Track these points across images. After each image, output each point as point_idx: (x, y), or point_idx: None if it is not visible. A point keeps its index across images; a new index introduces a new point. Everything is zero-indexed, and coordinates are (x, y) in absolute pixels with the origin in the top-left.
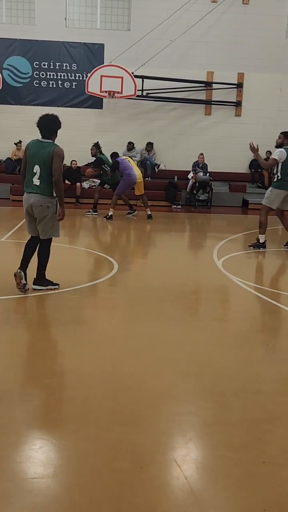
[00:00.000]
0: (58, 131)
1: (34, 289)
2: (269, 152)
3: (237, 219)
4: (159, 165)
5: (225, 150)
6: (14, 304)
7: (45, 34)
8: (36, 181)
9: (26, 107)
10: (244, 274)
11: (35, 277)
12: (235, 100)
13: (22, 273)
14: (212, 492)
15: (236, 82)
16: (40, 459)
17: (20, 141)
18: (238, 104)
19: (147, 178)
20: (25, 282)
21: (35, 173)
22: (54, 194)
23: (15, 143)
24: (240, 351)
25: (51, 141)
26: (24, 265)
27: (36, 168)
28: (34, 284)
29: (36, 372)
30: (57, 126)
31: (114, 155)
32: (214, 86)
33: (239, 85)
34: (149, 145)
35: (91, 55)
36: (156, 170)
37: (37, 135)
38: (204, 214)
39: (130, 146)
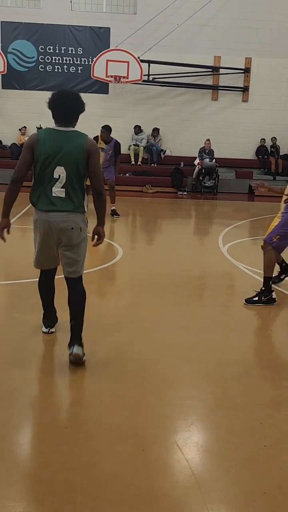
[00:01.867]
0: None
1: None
2: (274, 138)
3: (243, 206)
4: (165, 151)
5: (231, 136)
6: (18, 289)
7: (51, 18)
8: (59, 191)
9: (31, 92)
10: (249, 260)
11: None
12: (242, 86)
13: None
14: (213, 475)
15: (243, 67)
16: (42, 441)
17: (25, 127)
18: (245, 89)
19: (153, 164)
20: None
21: (57, 179)
22: (86, 208)
23: (19, 129)
24: (244, 337)
25: (75, 129)
26: (52, 318)
27: (59, 172)
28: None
29: (39, 356)
30: (82, 107)
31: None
32: (221, 71)
33: (247, 70)
34: (155, 131)
35: (97, 39)
36: (162, 156)
37: (44, 120)
38: (210, 200)
39: (138, 130)
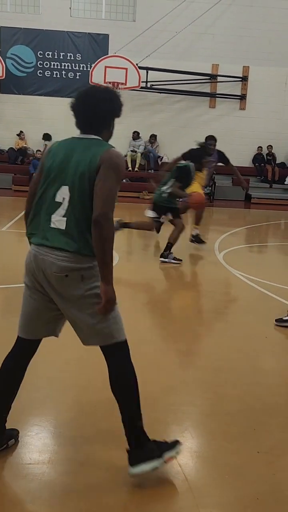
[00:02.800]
0: (61, 122)
1: None
2: (270, 147)
3: (239, 213)
4: (162, 157)
5: (229, 143)
6: (15, 293)
7: (50, 24)
8: (58, 221)
9: (29, 97)
10: (245, 267)
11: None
12: (239, 94)
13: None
14: (206, 480)
15: (241, 75)
16: (36, 445)
17: (21, 132)
18: (242, 97)
19: (150, 170)
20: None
21: (60, 204)
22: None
23: (17, 134)
24: (239, 343)
25: (100, 138)
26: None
27: (63, 194)
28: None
29: (35, 361)
30: (111, 107)
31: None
32: (219, 79)
33: (244, 79)
34: (153, 137)
35: (96, 45)
36: (159, 162)
37: (42, 125)
38: (206, 207)
39: (136, 135)
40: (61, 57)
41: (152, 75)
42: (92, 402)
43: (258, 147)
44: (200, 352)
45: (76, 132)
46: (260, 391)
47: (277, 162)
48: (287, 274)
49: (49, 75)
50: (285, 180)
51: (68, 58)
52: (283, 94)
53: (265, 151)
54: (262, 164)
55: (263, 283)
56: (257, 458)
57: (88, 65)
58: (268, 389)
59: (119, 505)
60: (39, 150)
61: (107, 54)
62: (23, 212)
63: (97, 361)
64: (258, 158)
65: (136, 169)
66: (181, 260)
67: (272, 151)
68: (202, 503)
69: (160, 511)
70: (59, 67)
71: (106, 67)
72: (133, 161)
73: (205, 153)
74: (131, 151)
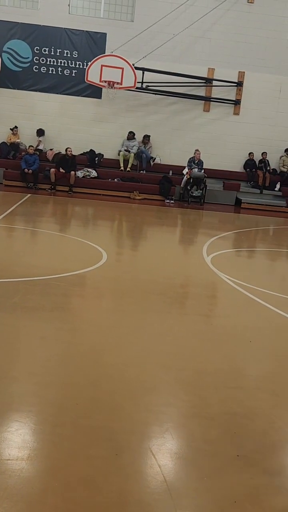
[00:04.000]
0: (55, 118)
1: None
2: (265, 153)
3: (229, 217)
4: (155, 158)
5: (221, 147)
6: (0, 289)
7: (48, 20)
8: None
9: (24, 92)
10: (232, 271)
11: None
12: (234, 99)
13: None
14: (185, 482)
15: (236, 81)
16: (16, 441)
17: (16, 127)
18: (237, 102)
19: (142, 171)
20: None
21: None
22: None
23: (10, 129)
24: (223, 347)
25: None
26: None
27: None
28: None
29: (18, 356)
30: None
31: None
32: (214, 83)
33: (239, 84)
34: (146, 138)
35: (93, 43)
36: (152, 163)
37: (35, 121)
38: (196, 210)
39: (131, 136)
40: (58, 54)
41: (148, 76)
42: (73, 399)
43: (250, 153)
44: (183, 354)
45: (69, 128)
46: (242, 395)
47: (268, 169)
48: (273, 280)
49: (45, 71)
50: (275, 187)
51: (65, 55)
52: (277, 101)
53: (257, 157)
54: (254, 170)
55: (249, 288)
56: (236, 461)
57: (85, 63)
58: (250, 394)
59: (96, 504)
60: (32, 146)
61: (104, 53)
62: (13, 207)
63: (78, 358)
64: (249, 163)
65: (128, 169)
66: None
67: (266, 158)
68: (179, 504)
69: (138, 511)
70: (55, 63)
71: (102, 65)
72: (126, 161)
73: None
74: (125, 150)
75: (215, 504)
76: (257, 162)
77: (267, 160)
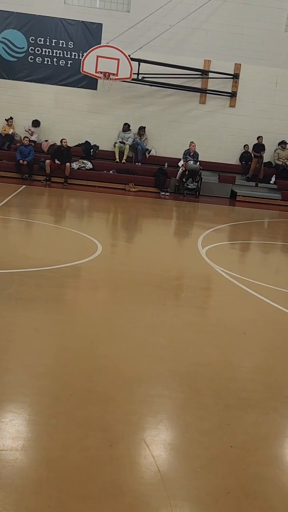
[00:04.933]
0: (51, 109)
1: None
2: (261, 137)
3: (224, 210)
4: (150, 150)
5: (217, 140)
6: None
7: (43, 9)
8: None
9: (19, 83)
10: (227, 263)
11: None
12: (230, 91)
13: None
14: (179, 472)
15: (232, 73)
16: (10, 432)
17: (11, 118)
18: (233, 95)
19: (137, 163)
20: None
21: None
22: None
23: (6, 119)
24: (217, 339)
25: None
26: None
27: None
28: None
29: (12, 347)
30: None
31: None
32: (210, 75)
33: (235, 76)
34: (141, 130)
35: (89, 34)
36: (147, 155)
37: (30, 112)
38: (191, 202)
39: (126, 127)
40: (53, 44)
41: (144, 68)
42: (68, 390)
43: (245, 145)
44: (178, 346)
45: (64, 120)
46: (236, 387)
47: (264, 162)
48: (267, 272)
49: (40, 62)
50: (270, 179)
51: (60, 45)
52: (273, 94)
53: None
54: (249, 162)
55: (244, 280)
56: (229, 452)
57: (80, 54)
58: (244, 385)
59: (90, 494)
60: (27, 137)
61: (100, 43)
62: (8, 198)
63: (73, 349)
64: (245, 156)
65: (123, 161)
66: None
67: (262, 142)
68: (173, 495)
69: (132, 501)
70: (50, 54)
71: (98, 56)
72: (121, 153)
73: None
74: (120, 142)
75: (208, 494)
76: (252, 155)
77: (263, 145)
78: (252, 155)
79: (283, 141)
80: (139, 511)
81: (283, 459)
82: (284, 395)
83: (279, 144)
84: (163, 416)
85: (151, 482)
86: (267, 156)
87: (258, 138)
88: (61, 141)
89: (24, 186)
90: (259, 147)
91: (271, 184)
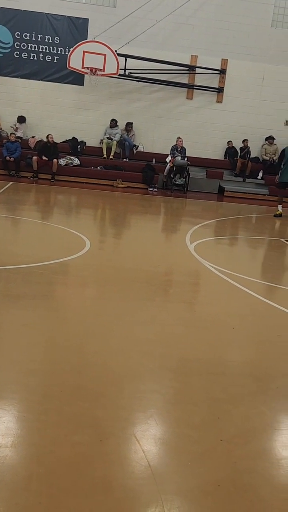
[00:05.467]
0: (37, 105)
1: None
2: (246, 141)
3: (212, 205)
4: (138, 146)
5: (204, 135)
6: None
7: (29, 4)
8: None
9: (5, 78)
10: (215, 259)
11: None
12: (217, 86)
13: None
14: (169, 467)
15: (219, 68)
16: (0, 429)
17: None
18: (220, 90)
19: (125, 159)
20: None
21: None
22: None
23: None
24: (207, 334)
25: None
26: None
27: None
28: None
29: (0, 344)
30: None
31: None
32: (197, 70)
33: (222, 71)
34: (129, 125)
35: (75, 29)
36: (135, 151)
37: (16, 108)
38: (179, 198)
39: (113, 124)
40: (39, 39)
41: (131, 63)
42: (57, 386)
43: (229, 141)
44: (167, 342)
45: (51, 116)
46: (225, 381)
47: (250, 157)
48: (256, 267)
49: (26, 57)
50: (258, 175)
51: (46, 40)
52: (260, 89)
53: (239, 145)
54: (236, 158)
55: (232, 275)
56: (219, 446)
57: (67, 49)
58: (233, 380)
59: (81, 490)
60: (13, 133)
61: (86, 38)
62: None
63: (62, 345)
64: (229, 152)
65: (111, 157)
66: None
67: (248, 145)
68: (163, 489)
69: (122, 496)
70: (36, 49)
71: (84, 52)
72: (109, 149)
73: None
74: (107, 138)
75: (199, 488)
76: (238, 150)
77: (248, 147)
78: (238, 154)
79: (270, 136)
80: (130, 506)
81: (272, 452)
82: (272, 389)
83: (266, 139)
84: (153, 411)
85: (141, 476)
86: (254, 152)
87: (243, 141)
88: (47, 137)
89: (11, 182)
90: (245, 150)
91: (259, 179)
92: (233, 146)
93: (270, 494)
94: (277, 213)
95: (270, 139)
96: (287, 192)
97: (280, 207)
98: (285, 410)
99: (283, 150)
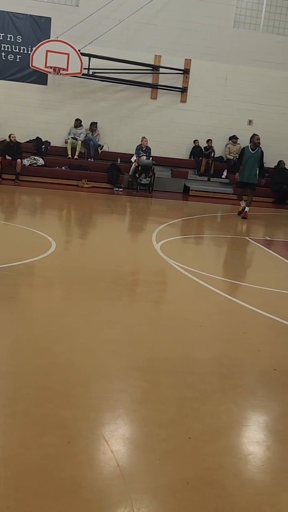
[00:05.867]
0: (0, 105)
1: None
2: (210, 140)
3: (177, 205)
4: (103, 146)
5: (169, 135)
6: None
7: None
8: None
9: None
10: (181, 258)
11: None
12: (181, 86)
13: None
14: (138, 466)
15: (183, 68)
16: None
17: None
18: (184, 90)
19: (90, 159)
20: None
21: None
22: None
23: None
24: (173, 332)
25: None
26: None
27: None
28: None
29: None
30: None
31: None
32: (161, 70)
33: (186, 71)
34: (93, 125)
35: (37, 28)
36: (99, 151)
37: None
38: (145, 198)
39: (78, 123)
40: (1, 38)
41: (95, 63)
42: (24, 388)
43: (195, 140)
44: (134, 341)
45: (14, 115)
46: (193, 379)
47: (214, 156)
48: (221, 265)
49: None
50: (222, 174)
51: (8, 39)
52: (223, 89)
53: (203, 144)
54: (200, 158)
55: (198, 274)
56: (187, 443)
57: (29, 48)
58: (200, 378)
59: (49, 491)
60: None
61: (49, 38)
62: None
63: (28, 347)
64: (195, 152)
65: (75, 157)
66: None
67: (212, 145)
68: (132, 488)
69: (91, 497)
70: None
71: (47, 51)
72: (73, 149)
73: None
74: (72, 138)
75: (167, 486)
76: (203, 150)
77: (212, 147)
78: (204, 153)
79: (234, 135)
80: (99, 506)
81: (240, 448)
82: (239, 385)
83: (229, 138)
84: (121, 411)
85: (110, 477)
86: (218, 151)
87: (207, 141)
88: (9, 136)
89: None
90: (209, 150)
91: (223, 178)
92: (199, 146)
93: (238, 489)
94: (240, 209)
95: (233, 138)
96: (245, 191)
97: (242, 203)
98: (252, 406)
99: (242, 150)
